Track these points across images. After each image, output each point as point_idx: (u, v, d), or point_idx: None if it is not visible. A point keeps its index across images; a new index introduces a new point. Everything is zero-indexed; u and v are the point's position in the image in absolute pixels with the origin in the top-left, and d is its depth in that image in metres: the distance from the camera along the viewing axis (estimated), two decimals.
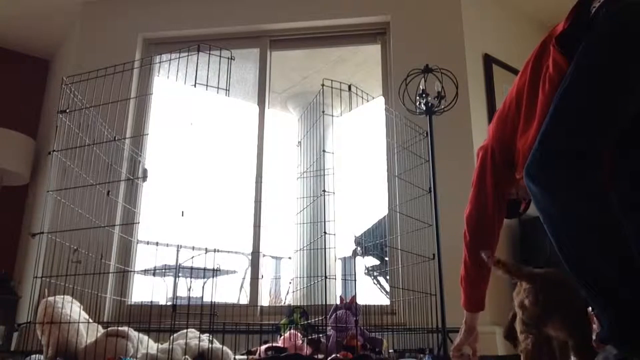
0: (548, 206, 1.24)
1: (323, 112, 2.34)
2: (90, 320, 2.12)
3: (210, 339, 1.97)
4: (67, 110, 2.19)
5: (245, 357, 2.07)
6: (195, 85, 1.96)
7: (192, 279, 3.24)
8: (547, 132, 1.29)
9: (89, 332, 2.05)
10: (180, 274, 3.93)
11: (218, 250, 2.04)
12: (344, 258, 4.74)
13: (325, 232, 2.07)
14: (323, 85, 2.21)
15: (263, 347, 2.11)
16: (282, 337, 2.25)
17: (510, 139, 1.64)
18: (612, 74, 1.26)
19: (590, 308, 1.41)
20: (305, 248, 3.03)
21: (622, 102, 1.26)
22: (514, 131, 1.62)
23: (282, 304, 4.47)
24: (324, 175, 2.31)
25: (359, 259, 5.26)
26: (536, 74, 1.52)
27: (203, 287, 2.51)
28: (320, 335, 2.21)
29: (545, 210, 1.25)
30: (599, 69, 1.27)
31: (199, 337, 1.99)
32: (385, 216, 3.33)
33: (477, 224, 1.81)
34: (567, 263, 1.23)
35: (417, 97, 2.79)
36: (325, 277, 1.99)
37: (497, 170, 1.74)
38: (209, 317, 1.89)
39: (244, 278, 4.37)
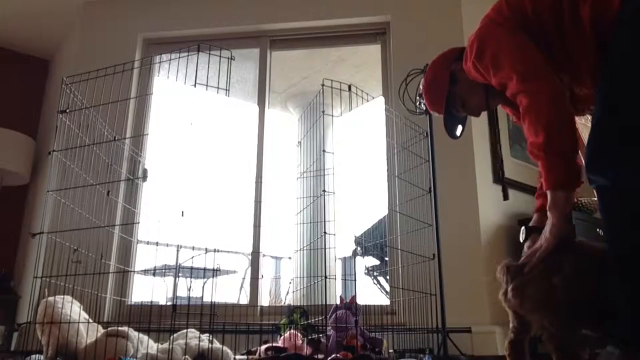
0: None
1: (323, 112, 2.34)
2: (90, 320, 2.12)
3: (210, 339, 1.97)
4: (67, 110, 2.19)
5: (245, 357, 2.07)
6: (195, 85, 1.96)
7: (192, 279, 3.24)
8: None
9: (89, 332, 2.05)
10: (180, 274, 3.93)
11: (218, 250, 2.05)
12: (344, 258, 4.74)
13: (325, 232, 2.07)
14: (323, 85, 2.21)
15: (263, 347, 2.11)
16: (282, 337, 2.25)
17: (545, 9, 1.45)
18: None
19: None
20: (305, 248, 3.03)
21: None
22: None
23: (282, 304, 4.47)
24: (324, 175, 2.31)
25: (359, 259, 5.26)
26: None
27: (203, 287, 2.51)
28: (320, 335, 2.21)
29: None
30: None
31: (199, 337, 1.99)
32: (385, 216, 3.33)
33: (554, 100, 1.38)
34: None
35: (417, 97, 2.79)
36: (325, 277, 1.99)
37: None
38: (209, 317, 1.89)
39: (244, 278, 4.37)
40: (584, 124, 1.65)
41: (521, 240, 1.59)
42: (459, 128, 1.84)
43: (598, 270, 1.32)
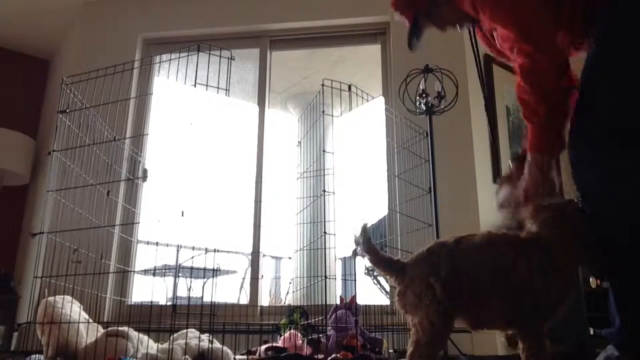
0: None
1: (323, 112, 2.34)
2: (90, 320, 2.12)
3: (210, 339, 1.97)
4: (67, 110, 2.20)
5: (245, 357, 2.07)
6: (195, 85, 1.97)
7: (192, 279, 3.24)
8: None
9: (89, 332, 2.05)
10: (180, 274, 3.93)
11: (218, 250, 2.05)
12: (344, 258, 4.74)
13: (325, 232, 2.08)
14: (323, 85, 2.21)
15: (263, 347, 2.11)
16: (282, 337, 2.25)
17: None
18: None
19: None
20: (305, 248, 3.03)
21: None
22: None
23: (282, 304, 4.47)
24: (324, 175, 2.31)
25: (359, 259, 5.25)
26: None
27: (203, 287, 2.51)
28: (320, 335, 2.21)
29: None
30: None
31: (199, 337, 1.99)
32: (385, 216, 3.33)
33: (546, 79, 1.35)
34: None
35: (417, 97, 2.79)
36: (325, 277, 1.99)
37: None
38: (209, 317, 1.89)
39: (244, 278, 4.37)
40: None
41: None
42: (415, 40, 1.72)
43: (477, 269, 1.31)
